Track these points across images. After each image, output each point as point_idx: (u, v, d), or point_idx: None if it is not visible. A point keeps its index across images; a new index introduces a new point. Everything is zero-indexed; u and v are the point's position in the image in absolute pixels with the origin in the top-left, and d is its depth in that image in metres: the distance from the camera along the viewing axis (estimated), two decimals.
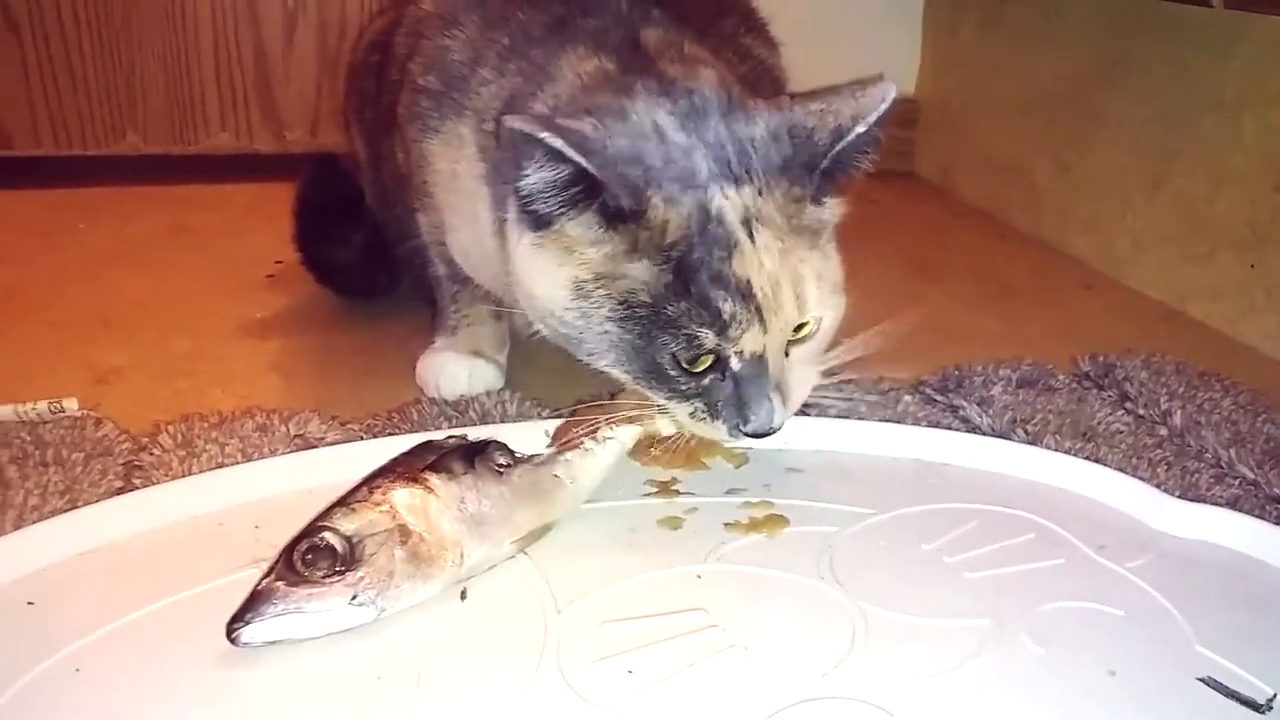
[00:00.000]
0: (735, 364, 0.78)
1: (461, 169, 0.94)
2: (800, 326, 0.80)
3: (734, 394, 0.78)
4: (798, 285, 0.78)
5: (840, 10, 1.96)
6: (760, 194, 0.78)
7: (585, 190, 0.76)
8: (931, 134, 1.99)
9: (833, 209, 0.83)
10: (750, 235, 0.76)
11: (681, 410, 0.81)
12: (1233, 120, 1.34)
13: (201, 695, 0.62)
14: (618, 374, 0.81)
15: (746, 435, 0.79)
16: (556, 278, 0.79)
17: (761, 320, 0.76)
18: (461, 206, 0.96)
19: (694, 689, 0.63)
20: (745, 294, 0.76)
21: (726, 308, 0.75)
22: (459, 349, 1.08)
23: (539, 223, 0.79)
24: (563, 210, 0.77)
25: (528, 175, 0.75)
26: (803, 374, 0.83)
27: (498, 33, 0.94)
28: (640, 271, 0.77)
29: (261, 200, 1.66)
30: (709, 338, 0.76)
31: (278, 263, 1.42)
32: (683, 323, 0.76)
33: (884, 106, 0.77)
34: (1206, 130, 1.38)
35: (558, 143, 0.73)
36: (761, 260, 0.76)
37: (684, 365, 0.78)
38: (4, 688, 0.61)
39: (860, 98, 0.78)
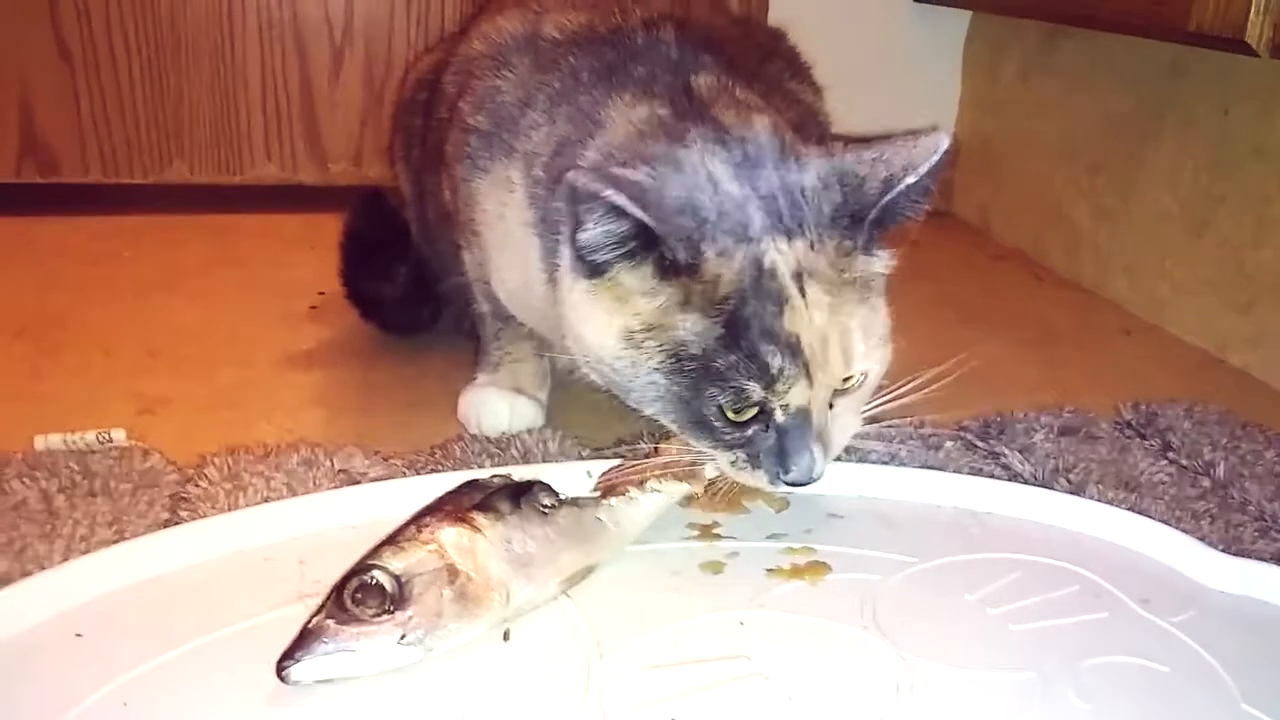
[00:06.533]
0: (780, 416, 0.78)
1: (509, 211, 0.95)
2: (846, 378, 0.80)
3: (776, 444, 0.79)
4: (845, 341, 0.78)
5: (880, 52, 1.97)
6: (812, 248, 0.78)
7: (642, 243, 0.77)
8: (970, 175, 1.99)
9: (884, 261, 0.83)
10: (801, 290, 0.77)
11: (724, 459, 0.82)
12: (1276, 168, 1.33)
13: None
14: (663, 421, 0.82)
15: (787, 484, 0.80)
16: (608, 326, 0.80)
17: (808, 375, 0.77)
18: (508, 247, 0.96)
19: None
20: (794, 350, 0.76)
21: (775, 362, 0.76)
22: (501, 386, 1.08)
23: (594, 271, 0.80)
24: (619, 261, 0.78)
25: (588, 229, 0.77)
26: (845, 422, 0.84)
27: (548, 76, 0.95)
28: (692, 324, 0.77)
29: (305, 231, 1.68)
30: (756, 391, 0.77)
31: (321, 294, 1.43)
32: (730, 375, 0.76)
33: (936, 158, 0.78)
34: (1250, 177, 1.38)
35: (620, 199, 0.74)
36: (811, 316, 0.77)
37: (729, 416, 0.78)
38: None
39: (913, 148, 0.79)
